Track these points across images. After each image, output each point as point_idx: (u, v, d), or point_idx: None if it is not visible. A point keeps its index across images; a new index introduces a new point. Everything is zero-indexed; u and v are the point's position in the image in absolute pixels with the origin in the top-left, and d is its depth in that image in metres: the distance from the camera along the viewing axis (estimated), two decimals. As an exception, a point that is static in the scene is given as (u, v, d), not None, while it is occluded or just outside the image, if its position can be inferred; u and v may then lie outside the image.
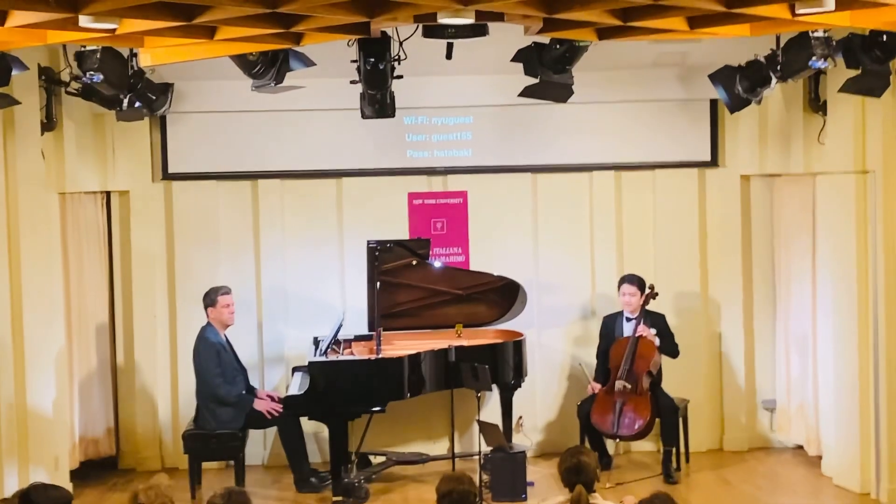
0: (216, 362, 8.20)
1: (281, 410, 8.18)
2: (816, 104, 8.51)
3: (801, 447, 9.07)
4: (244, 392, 8.37)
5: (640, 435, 8.34)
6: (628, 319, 8.53)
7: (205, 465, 8.35)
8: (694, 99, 9.11)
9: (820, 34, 6.67)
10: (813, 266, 8.71)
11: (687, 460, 8.75)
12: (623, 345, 8.38)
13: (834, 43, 6.75)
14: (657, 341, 8.35)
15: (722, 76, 7.82)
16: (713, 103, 9.10)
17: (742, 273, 9.28)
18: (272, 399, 8.37)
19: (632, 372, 8.29)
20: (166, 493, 5.28)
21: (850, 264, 8.01)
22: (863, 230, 7.94)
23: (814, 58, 6.68)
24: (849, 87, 7.03)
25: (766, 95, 8.20)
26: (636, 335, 8.34)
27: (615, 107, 9.19)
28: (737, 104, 7.90)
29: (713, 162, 9.26)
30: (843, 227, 8.10)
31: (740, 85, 7.58)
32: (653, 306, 8.65)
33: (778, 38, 7.22)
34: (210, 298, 8.32)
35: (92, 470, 8.81)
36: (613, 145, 9.25)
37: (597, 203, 9.29)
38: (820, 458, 8.61)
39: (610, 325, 8.69)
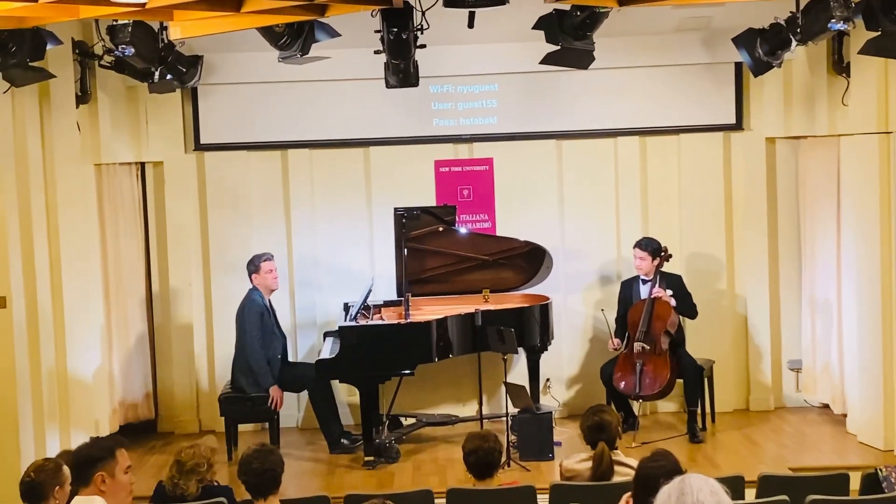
0: (258, 324, 8.37)
1: (279, 405, 8.36)
2: (840, 66, 8.53)
3: (826, 406, 9.16)
4: (279, 357, 8.56)
5: (662, 394, 8.46)
6: (644, 282, 8.63)
7: (241, 427, 8.58)
8: (718, 62, 9.14)
9: (839, -4, 6.70)
10: (837, 226, 8.76)
11: (713, 420, 8.88)
12: (640, 307, 8.49)
13: (853, 4, 6.75)
14: (673, 302, 8.45)
15: (745, 39, 7.84)
16: (738, 67, 9.14)
17: (767, 235, 9.34)
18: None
19: (649, 333, 8.40)
20: (205, 454, 5.49)
21: (874, 224, 8.07)
22: (886, 190, 7.99)
23: (833, 20, 6.69)
24: (868, 49, 7.03)
25: (789, 58, 8.25)
26: (652, 297, 8.45)
27: (640, 72, 9.25)
28: (760, 67, 7.93)
29: (738, 125, 9.31)
30: (866, 188, 8.14)
31: (761, 48, 7.60)
32: (677, 268, 8.76)
33: (798, 1, 7.25)
34: (254, 265, 8.48)
35: (131, 433, 8.96)
36: (638, 110, 9.31)
37: (622, 168, 9.37)
38: (845, 416, 8.69)
39: (627, 289, 8.80)
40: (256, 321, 8.36)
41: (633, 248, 8.65)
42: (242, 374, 8.37)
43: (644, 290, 8.60)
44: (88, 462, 4.46)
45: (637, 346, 8.40)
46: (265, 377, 8.33)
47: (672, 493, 3.09)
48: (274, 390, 8.33)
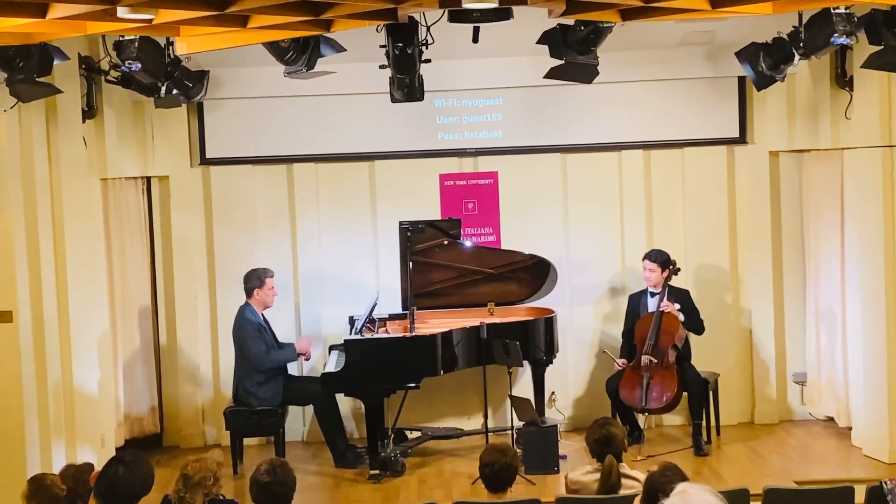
0: (258, 337, 8.41)
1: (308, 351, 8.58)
2: (843, 80, 8.57)
3: (831, 419, 9.16)
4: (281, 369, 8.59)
5: (668, 408, 8.46)
6: (652, 295, 8.64)
7: (246, 440, 8.60)
8: (722, 76, 9.17)
9: (842, 10, 6.69)
10: (841, 240, 8.77)
11: (718, 433, 8.88)
12: (648, 320, 8.50)
13: (856, 19, 6.78)
14: (681, 316, 8.46)
15: (748, 54, 7.88)
16: (741, 80, 9.16)
17: (771, 248, 9.35)
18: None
19: (657, 346, 8.41)
20: (211, 468, 5.49)
21: (878, 237, 8.08)
22: (889, 203, 8.00)
23: (836, 34, 6.72)
24: (871, 63, 7.06)
25: (792, 72, 8.28)
26: (660, 310, 8.46)
27: (644, 86, 9.27)
28: (763, 81, 7.96)
29: (742, 139, 9.33)
30: (870, 201, 8.16)
31: (764, 62, 7.64)
32: (681, 282, 8.78)
33: (800, 16, 7.29)
34: (259, 279, 8.49)
35: (137, 447, 8.97)
36: (642, 124, 9.33)
37: (626, 181, 9.39)
38: (850, 429, 8.69)
39: (635, 303, 8.81)
40: (257, 336, 8.39)
41: (643, 259, 8.66)
42: (246, 391, 8.37)
43: (652, 304, 8.61)
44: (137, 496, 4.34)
45: (645, 359, 8.40)
46: (287, 356, 8.48)
47: None
48: (299, 345, 8.52)
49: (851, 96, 8.43)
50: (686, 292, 8.71)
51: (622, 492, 5.38)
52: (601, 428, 5.64)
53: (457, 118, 9.34)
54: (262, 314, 8.58)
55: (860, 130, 8.27)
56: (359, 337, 8.26)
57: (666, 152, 9.39)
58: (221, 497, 5.57)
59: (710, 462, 8.31)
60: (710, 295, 9.24)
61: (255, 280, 8.51)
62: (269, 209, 9.38)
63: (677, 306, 8.48)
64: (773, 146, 9.27)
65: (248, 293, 8.52)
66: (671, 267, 8.57)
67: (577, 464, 7.43)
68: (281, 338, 8.77)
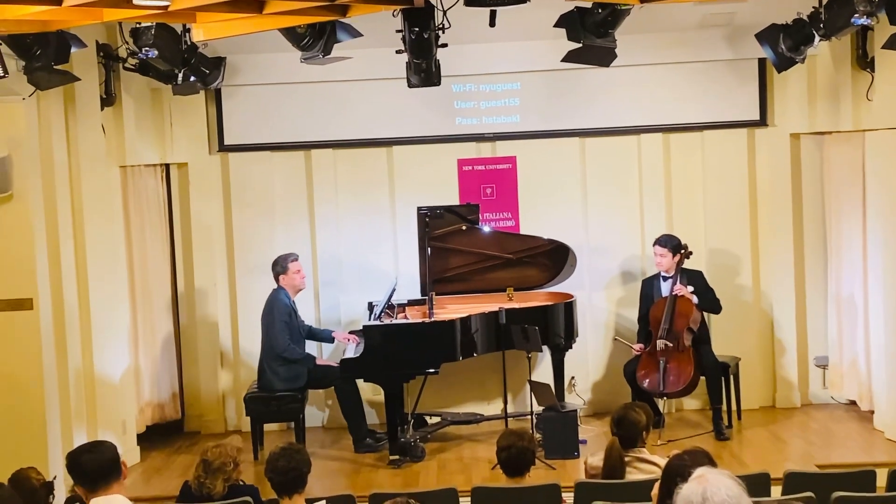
0: (286, 322, 8.43)
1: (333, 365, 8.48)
2: (864, 61, 8.50)
3: (853, 403, 9.11)
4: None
5: (686, 391, 8.43)
6: (664, 279, 8.61)
7: (266, 426, 8.61)
8: (742, 58, 9.10)
9: (862, -10, 6.66)
10: (863, 222, 8.71)
11: (739, 417, 8.83)
12: (662, 305, 8.46)
13: (876, -1, 6.74)
14: (695, 299, 8.42)
15: (768, 35, 7.83)
16: (761, 62, 9.09)
17: (792, 231, 9.29)
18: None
19: (672, 330, 8.37)
20: (231, 453, 5.53)
21: (900, 220, 8.03)
22: (912, 186, 7.95)
23: (856, 14, 6.66)
24: (892, 44, 6.99)
25: (812, 53, 8.22)
26: (673, 294, 8.43)
27: (663, 69, 9.22)
28: (784, 63, 7.91)
29: (762, 121, 9.26)
30: (892, 182, 8.10)
31: (784, 44, 7.59)
32: (702, 266, 8.73)
33: (821, -4, 7.24)
34: (281, 266, 8.52)
35: (158, 433, 9.09)
36: (661, 107, 9.28)
37: (645, 165, 9.34)
38: (872, 413, 8.64)
39: (648, 287, 8.78)
40: (284, 321, 8.41)
41: (653, 245, 8.63)
42: (272, 372, 8.39)
43: (665, 288, 8.57)
44: (116, 459, 4.46)
45: (660, 343, 8.37)
46: (308, 361, 8.46)
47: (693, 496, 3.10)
48: (320, 362, 8.55)
49: (873, 77, 8.37)
50: (699, 273, 8.67)
51: (641, 476, 5.36)
52: (621, 410, 5.64)
53: (474, 103, 9.31)
54: (294, 299, 8.59)
55: (882, 112, 8.20)
56: (378, 322, 8.27)
57: (685, 135, 9.34)
58: (241, 482, 5.61)
59: (732, 446, 8.28)
60: (731, 279, 9.20)
61: (278, 266, 8.54)
62: (288, 195, 9.39)
63: (690, 289, 8.45)
64: (794, 128, 9.20)
65: (276, 279, 8.53)
66: (682, 251, 8.53)
67: (597, 449, 7.39)
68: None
